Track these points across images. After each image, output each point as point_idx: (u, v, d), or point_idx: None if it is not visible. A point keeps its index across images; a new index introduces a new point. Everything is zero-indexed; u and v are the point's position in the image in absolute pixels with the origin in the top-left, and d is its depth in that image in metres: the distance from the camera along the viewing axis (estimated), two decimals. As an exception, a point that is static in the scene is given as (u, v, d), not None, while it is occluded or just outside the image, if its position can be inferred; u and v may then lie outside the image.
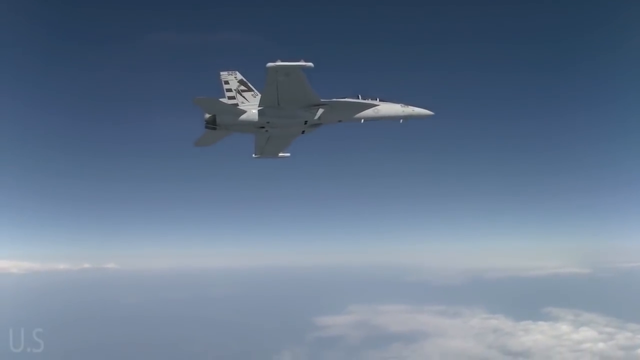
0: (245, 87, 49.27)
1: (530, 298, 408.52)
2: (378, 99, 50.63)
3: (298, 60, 40.33)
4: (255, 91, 49.29)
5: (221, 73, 49.55)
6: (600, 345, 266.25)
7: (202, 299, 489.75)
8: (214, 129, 48.32)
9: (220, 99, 48.99)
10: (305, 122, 48.69)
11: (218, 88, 50.75)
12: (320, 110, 48.13)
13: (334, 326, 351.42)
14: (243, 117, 47.73)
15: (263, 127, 48.93)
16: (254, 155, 52.55)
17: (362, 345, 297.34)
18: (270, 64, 40.05)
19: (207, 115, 47.72)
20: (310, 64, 40.00)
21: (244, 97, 48.96)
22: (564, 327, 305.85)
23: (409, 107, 51.04)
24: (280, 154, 53.04)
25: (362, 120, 50.21)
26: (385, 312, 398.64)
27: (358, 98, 50.19)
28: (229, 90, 48.98)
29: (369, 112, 49.96)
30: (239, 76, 49.54)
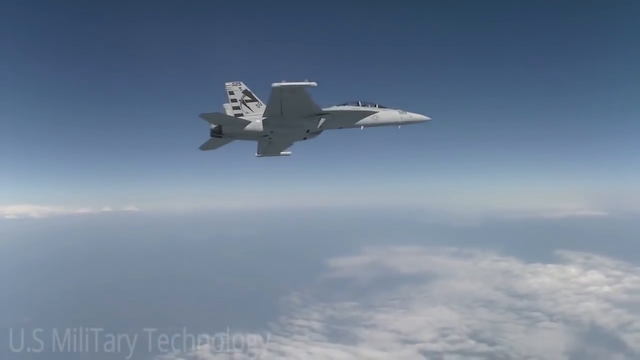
0: (249, 97, 50.60)
1: (543, 240, 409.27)
2: (377, 106, 52.21)
3: (302, 80, 41.70)
4: (260, 101, 50.57)
5: (226, 84, 50.71)
6: (606, 288, 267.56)
7: (220, 240, 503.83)
8: (220, 137, 50.27)
9: (225, 109, 50.88)
10: (308, 131, 50.59)
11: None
12: (322, 120, 49.84)
13: (346, 267, 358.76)
14: (248, 127, 49.44)
15: (267, 136, 50.82)
16: (256, 154, 54.65)
17: (371, 287, 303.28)
18: (275, 84, 41.74)
19: (213, 126, 49.65)
20: (314, 83, 41.47)
21: (248, 107, 50.47)
22: (573, 270, 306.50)
23: (407, 113, 52.60)
24: (282, 153, 55.05)
25: (362, 127, 52.15)
26: (398, 253, 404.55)
27: (358, 104, 51.87)
28: (234, 100, 50.37)
29: (368, 119, 51.76)
30: (244, 86, 50.81)
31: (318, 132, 51.42)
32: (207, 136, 50.86)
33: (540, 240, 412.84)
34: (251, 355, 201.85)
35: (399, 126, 53.13)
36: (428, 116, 53.24)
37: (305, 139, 52.11)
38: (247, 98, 50.59)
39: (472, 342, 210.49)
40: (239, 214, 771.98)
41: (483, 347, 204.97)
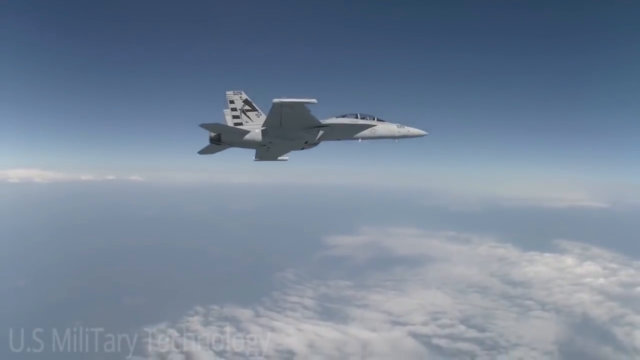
0: (249, 106, 51.18)
1: (542, 229, 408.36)
2: (375, 119, 52.59)
3: (302, 97, 42.72)
4: (260, 111, 51.17)
5: (227, 92, 51.38)
6: (601, 280, 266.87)
7: (220, 213, 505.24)
8: (218, 144, 51.03)
9: (226, 115, 51.63)
10: (306, 142, 51.46)
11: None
12: (321, 132, 50.55)
13: (343, 246, 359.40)
14: (247, 136, 50.11)
15: (265, 145, 51.58)
16: (254, 159, 55.20)
17: (367, 267, 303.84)
18: (276, 100, 42.58)
19: (213, 134, 50.38)
20: (314, 100, 42.35)
21: (248, 116, 51.15)
22: (569, 261, 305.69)
23: (405, 127, 53.02)
24: (279, 158, 55.73)
25: (360, 140, 52.84)
26: (396, 234, 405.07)
27: (357, 117, 52.20)
28: (234, 109, 51.09)
29: (366, 132, 52.34)
30: (244, 96, 51.33)
31: (316, 143, 52.25)
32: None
33: (539, 229, 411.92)
34: (241, 329, 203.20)
35: (397, 140, 53.53)
36: (425, 131, 53.93)
37: (303, 149, 52.89)
38: (247, 107, 51.23)
39: (462, 327, 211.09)
40: (240, 188, 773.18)
41: (472, 333, 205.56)
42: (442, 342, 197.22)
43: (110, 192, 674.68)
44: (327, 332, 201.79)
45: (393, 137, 53.10)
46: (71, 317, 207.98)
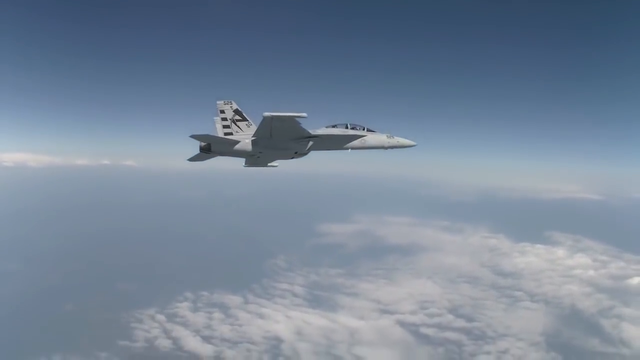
0: (240, 116, 50.70)
1: (535, 220, 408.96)
2: (365, 129, 52.55)
3: (293, 110, 42.50)
4: (250, 121, 50.75)
5: (217, 102, 50.82)
6: (591, 272, 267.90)
7: (214, 199, 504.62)
8: (208, 153, 51.07)
9: (216, 123, 51.40)
10: (295, 152, 51.40)
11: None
12: (311, 143, 50.34)
13: (336, 234, 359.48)
14: (237, 146, 49.87)
15: (255, 155, 51.63)
16: (243, 165, 55.16)
17: (358, 255, 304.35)
18: (266, 114, 42.33)
19: (203, 143, 50.28)
20: (304, 114, 42.06)
21: (238, 126, 50.71)
22: (560, 252, 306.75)
23: (395, 138, 52.97)
24: (269, 164, 55.75)
25: (350, 150, 52.98)
26: (390, 223, 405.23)
27: (346, 127, 52.12)
28: (225, 119, 50.62)
29: (356, 143, 52.25)
30: (235, 106, 50.82)
31: (305, 153, 52.34)
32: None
33: (532, 220, 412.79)
34: (230, 316, 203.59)
35: (386, 149, 53.78)
36: (414, 141, 54.08)
37: (292, 158, 52.83)
38: (237, 117, 50.83)
39: (450, 317, 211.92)
40: (235, 173, 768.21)
41: (460, 323, 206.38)
42: (430, 331, 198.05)
43: (105, 177, 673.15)
44: (315, 320, 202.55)
45: (382, 147, 53.36)
46: (63, 301, 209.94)
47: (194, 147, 50.85)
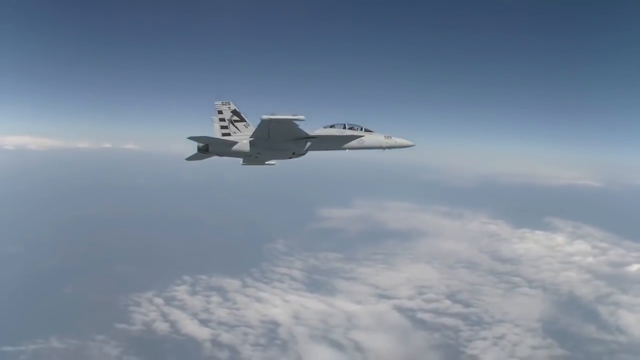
0: (238, 117, 51.00)
1: (536, 206, 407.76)
2: (363, 129, 52.47)
3: (291, 113, 42.81)
4: (248, 122, 51.10)
5: (215, 103, 51.12)
6: (590, 259, 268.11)
7: (215, 182, 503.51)
8: (206, 153, 51.26)
9: (214, 122, 51.60)
10: (293, 153, 51.45)
11: None
12: (309, 143, 50.43)
13: (336, 218, 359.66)
14: (235, 147, 50.06)
15: (253, 155, 51.85)
16: (241, 163, 55.35)
17: (358, 240, 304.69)
18: (264, 117, 42.42)
19: (201, 144, 50.51)
20: (302, 117, 42.34)
21: (236, 127, 51.00)
22: (560, 239, 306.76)
23: (393, 138, 52.93)
24: (266, 163, 56.06)
25: (347, 150, 53.09)
26: (390, 208, 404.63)
27: (344, 127, 52.14)
28: (222, 119, 50.86)
29: (353, 143, 52.34)
30: (232, 106, 51.10)
31: (303, 153, 52.58)
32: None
33: (532, 206, 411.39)
34: (228, 300, 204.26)
35: (384, 150, 53.64)
36: (412, 142, 54.10)
37: (290, 158, 52.82)
38: (235, 118, 51.10)
39: (447, 302, 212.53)
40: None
41: (458, 308, 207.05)
42: (427, 317, 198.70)
43: (106, 160, 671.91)
44: (312, 304, 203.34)
45: (380, 148, 53.37)
46: (63, 284, 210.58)
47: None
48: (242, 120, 50.90)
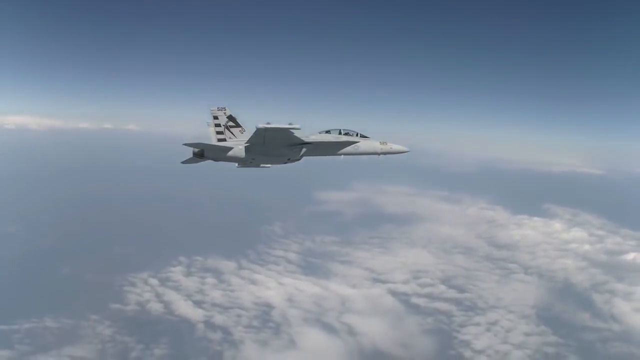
0: (233, 122, 50.37)
1: (535, 193, 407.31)
2: (358, 135, 51.97)
3: (287, 122, 42.46)
4: (243, 127, 50.56)
5: (211, 109, 50.62)
6: (586, 247, 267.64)
7: (213, 164, 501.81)
8: (201, 157, 50.70)
9: (209, 126, 51.00)
10: (289, 159, 51.11)
11: None
12: (304, 149, 50.09)
13: (334, 202, 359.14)
14: (230, 153, 49.46)
15: (248, 160, 51.31)
16: (237, 166, 54.50)
17: (355, 223, 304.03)
18: (260, 126, 42.12)
19: (196, 149, 49.92)
20: (297, 126, 42.22)
21: (231, 132, 50.34)
22: (557, 226, 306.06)
23: (388, 144, 52.29)
24: (261, 165, 55.29)
25: (342, 156, 52.62)
26: (388, 192, 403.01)
27: (340, 133, 51.70)
28: (218, 125, 50.17)
29: (349, 149, 52.00)
30: (228, 112, 50.57)
31: (298, 159, 52.10)
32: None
33: (531, 192, 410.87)
34: (223, 281, 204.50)
35: (379, 155, 52.99)
36: (408, 148, 53.70)
37: (285, 163, 52.58)
38: (230, 124, 50.48)
39: (442, 287, 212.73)
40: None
41: (452, 293, 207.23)
42: (421, 301, 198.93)
43: (106, 140, 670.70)
44: (307, 287, 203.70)
45: (376, 154, 52.82)
46: (60, 263, 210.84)
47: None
48: (237, 125, 50.48)
